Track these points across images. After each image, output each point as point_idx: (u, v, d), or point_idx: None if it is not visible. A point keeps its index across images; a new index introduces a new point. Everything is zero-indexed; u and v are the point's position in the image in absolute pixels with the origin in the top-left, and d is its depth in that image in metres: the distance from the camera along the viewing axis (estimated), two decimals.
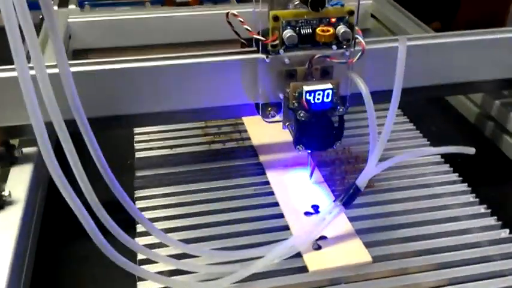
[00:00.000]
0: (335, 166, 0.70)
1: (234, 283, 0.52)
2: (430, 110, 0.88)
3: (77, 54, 0.97)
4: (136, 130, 0.77)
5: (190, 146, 0.74)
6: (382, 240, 0.58)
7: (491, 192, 0.66)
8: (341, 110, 0.57)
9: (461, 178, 0.68)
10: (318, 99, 0.56)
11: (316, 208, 0.62)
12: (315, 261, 0.54)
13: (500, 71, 0.71)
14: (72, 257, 0.61)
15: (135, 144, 0.74)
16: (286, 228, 0.60)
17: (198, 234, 0.59)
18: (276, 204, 0.63)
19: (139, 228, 0.58)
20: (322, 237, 0.57)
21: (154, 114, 0.64)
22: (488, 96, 0.78)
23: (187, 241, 0.57)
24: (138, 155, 0.72)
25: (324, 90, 0.56)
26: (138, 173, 0.69)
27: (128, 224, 0.54)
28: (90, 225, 0.45)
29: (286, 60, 0.58)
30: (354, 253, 0.55)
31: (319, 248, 0.56)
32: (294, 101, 0.57)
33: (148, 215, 0.61)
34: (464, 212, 0.62)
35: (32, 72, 0.40)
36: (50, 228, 0.64)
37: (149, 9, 1.05)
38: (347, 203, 0.56)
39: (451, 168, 0.70)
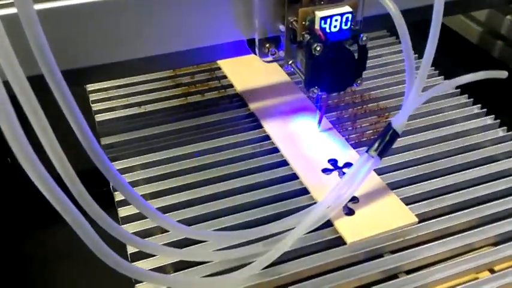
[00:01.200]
0: (340, 109, 0.59)
1: (262, 269, 0.41)
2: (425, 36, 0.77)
3: None
4: (90, 87, 0.62)
5: (162, 101, 0.61)
6: (418, 193, 0.49)
7: None
8: (364, 38, 0.45)
9: (485, 110, 0.59)
10: (335, 26, 0.44)
11: (335, 163, 0.51)
12: (352, 231, 0.44)
13: None
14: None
15: (92, 105, 0.60)
16: (304, 192, 0.49)
17: (196, 212, 0.47)
18: (285, 163, 0.52)
19: (124, 211, 0.46)
20: (352, 198, 0.47)
21: (111, 66, 0.48)
22: (495, 13, 0.69)
23: (185, 222, 0.44)
24: (98, 117, 0.58)
25: (341, 15, 0.44)
26: (104, 141, 0.55)
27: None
28: (67, 206, 0.30)
29: None
30: (396, 214, 0.46)
31: (351, 212, 0.46)
32: (303, 32, 0.45)
33: None
34: (502, 149, 0.54)
35: None
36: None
37: None
38: (382, 152, 0.45)
39: (471, 99, 0.60)
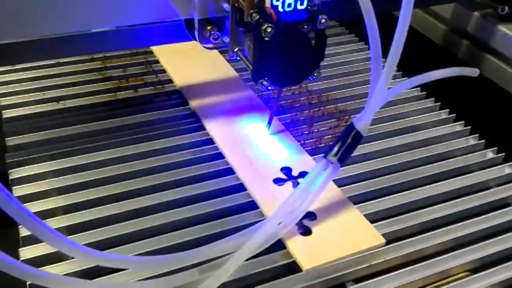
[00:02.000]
0: (295, 110, 0.52)
1: None
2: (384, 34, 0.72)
3: None
4: None
5: (86, 96, 0.53)
6: (384, 209, 0.42)
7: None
8: (323, 20, 0.38)
9: (454, 115, 0.53)
10: (289, 5, 0.38)
11: (288, 172, 0.44)
12: (309, 254, 0.37)
13: None
14: None
15: None
16: (253, 205, 0.41)
17: (116, 232, 0.39)
18: (230, 171, 0.44)
19: (24, 232, 0.37)
20: (308, 215, 0.39)
21: (19, 45, 0.40)
22: (461, 8, 0.64)
23: (100, 246, 0.37)
24: (6, 113, 0.50)
25: None
26: (10, 142, 0.46)
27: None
28: None
29: None
30: (360, 234, 0.39)
31: (308, 231, 0.38)
32: (251, 11, 0.38)
33: (33, 207, 0.40)
34: (475, 159, 0.48)
35: None
36: None
37: None
38: (343, 158, 0.39)
39: (438, 103, 0.55)
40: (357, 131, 0.38)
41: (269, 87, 0.40)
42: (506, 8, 0.58)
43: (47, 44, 0.40)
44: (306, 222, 0.39)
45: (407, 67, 0.59)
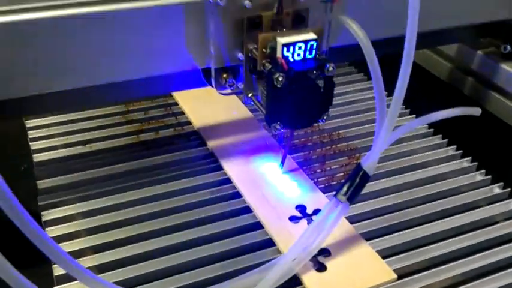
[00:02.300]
0: (308, 149, 0.55)
1: None
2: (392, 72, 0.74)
3: None
4: (30, 123, 0.56)
5: (111, 139, 0.56)
6: (394, 245, 0.44)
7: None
8: (331, 68, 0.41)
9: (461, 151, 0.55)
10: (299, 55, 0.40)
11: (303, 209, 0.46)
12: None
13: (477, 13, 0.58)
14: None
15: (30, 143, 0.54)
16: (270, 243, 0.44)
17: (142, 270, 0.41)
18: (248, 210, 0.47)
19: (57, 271, 0.39)
20: (323, 251, 0.42)
21: (50, 96, 0.43)
22: (466, 47, 0.66)
23: (126, 284, 0.39)
24: (36, 157, 0.52)
25: (306, 42, 0.40)
26: (41, 185, 0.49)
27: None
28: None
29: (247, 3, 0.41)
30: (372, 270, 0.41)
31: (322, 268, 0.41)
32: (264, 61, 0.41)
33: (65, 247, 0.42)
34: (482, 195, 0.50)
35: None
36: None
37: None
38: (352, 197, 0.41)
39: (446, 140, 0.57)
40: (364, 171, 0.41)
41: (281, 130, 0.43)
42: (508, 46, 0.61)
43: (78, 94, 0.43)
44: (320, 258, 0.41)
45: (414, 104, 0.61)
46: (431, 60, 0.72)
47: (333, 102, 0.52)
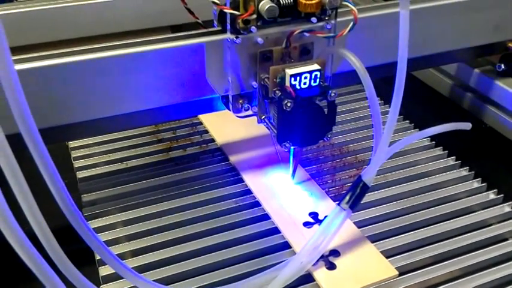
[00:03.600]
0: (320, 162, 0.61)
1: None
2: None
3: None
4: (72, 144, 0.63)
5: (144, 156, 0.62)
6: (397, 246, 0.50)
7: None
8: (332, 94, 0.47)
9: (459, 161, 0.61)
10: (305, 83, 0.46)
11: (315, 216, 0.52)
12: (334, 285, 0.44)
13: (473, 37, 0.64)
14: None
15: (73, 162, 0.60)
16: (286, 246, 0.49)
17: (175, 270, 0.47)
18: (267, 217, 0.52)
19: (104, 270, 0.46)
20: (333, 252, 0.47)
21: (94, 123, 0.50)
22: (464, 66, 0.72)
23: (165, 281, 0.45)
24: (80, 174, 0.58)
25: (310, 73, 0.46)
26: (85, 198, 0.55)
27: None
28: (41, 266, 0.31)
29: (260, 40, 0.47)
30: (376, 267, 0.46)
31: (332, 266, 0.46)
32: (275, 89, 0.47)
33: None
34: (478, 200, 0.55)
35: None
36: None
37: None
38: (354, 205, 0.46)
39: (446, 151, 0.62)
40: (364, 182, 0.46)
41: (291, 147, 0.49)
42: (502, 65, 0.66)
43: (118, 120, 0.50)
44: (331, 258, 0.47)
45: (417, 117, 0.67)
46: (434, 78, 0.77)
47: (344, 119, 0.59)
